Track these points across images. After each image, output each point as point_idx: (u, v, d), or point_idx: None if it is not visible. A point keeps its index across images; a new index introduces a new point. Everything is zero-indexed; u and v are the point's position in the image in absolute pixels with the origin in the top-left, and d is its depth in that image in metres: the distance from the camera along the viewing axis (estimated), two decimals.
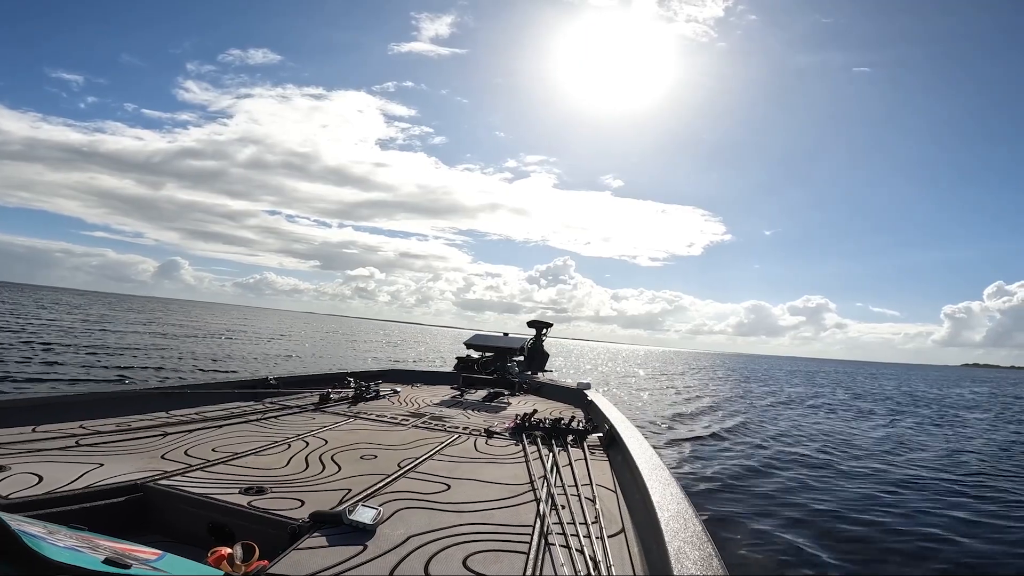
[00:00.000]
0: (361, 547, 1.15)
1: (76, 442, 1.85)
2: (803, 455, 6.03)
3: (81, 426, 2.07)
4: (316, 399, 2.99)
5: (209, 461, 1.73)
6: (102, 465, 1.60)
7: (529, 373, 4.46)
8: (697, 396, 13.32)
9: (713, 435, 6.92)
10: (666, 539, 1.03)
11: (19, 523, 0.70)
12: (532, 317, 4.84)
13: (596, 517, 1.38)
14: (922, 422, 10.42)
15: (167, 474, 1.56)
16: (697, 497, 4.01)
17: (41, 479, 1.43)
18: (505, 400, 3.48)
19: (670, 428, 7.50)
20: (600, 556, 1.15)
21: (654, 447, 1.88)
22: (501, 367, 4.26)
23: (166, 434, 2.07)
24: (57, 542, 0.70)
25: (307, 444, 2.04)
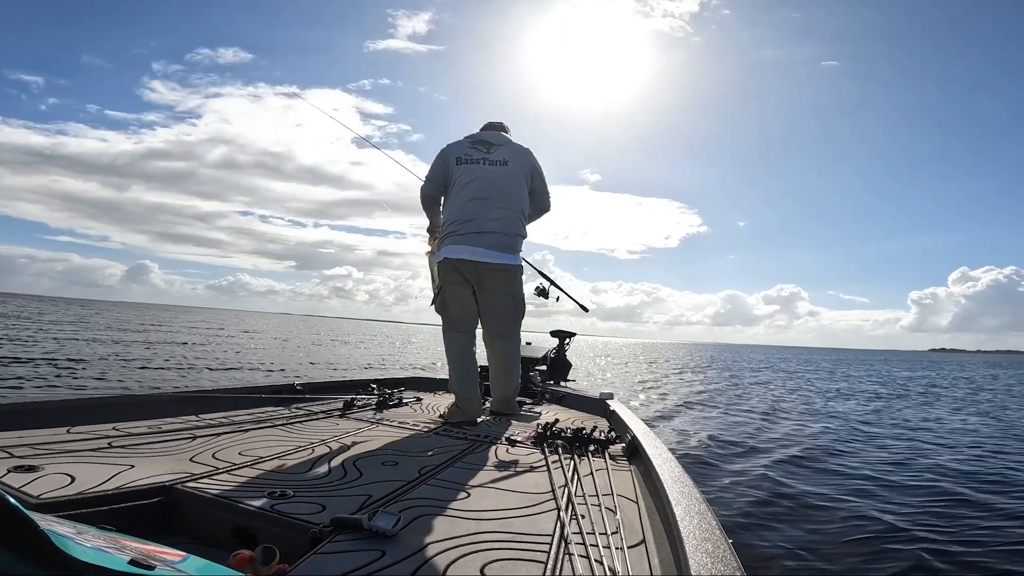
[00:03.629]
0: (380, 553, 1.15)
1: (109, 444, 1.91)
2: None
3: (114, 428, 2.14)
4: (341, 405, 3.03)
5: (235, 465, 1.76)
6: (133, 467, 1.64)
7: (551, 383, 4.43)
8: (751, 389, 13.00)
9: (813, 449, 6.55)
10: (688, 552, 1.00)
11: (49, 523, 0.73)
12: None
13: (617, 527, 1.35)
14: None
15: (195, 476, 1.59)
16: (728, 513, 3.91)
17: (73, 479, 1.47)
18: (528, 409, 3.47)
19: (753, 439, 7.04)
20: (619, 567, 1.12)
21: (678, 458, 1.83)
22: (523, 376, 4.25)
23: (195, 437, 2.11)
24: (84, 542, 0.72)
25: (330, 449, 2.06)
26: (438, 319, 3.10)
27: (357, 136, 3.77)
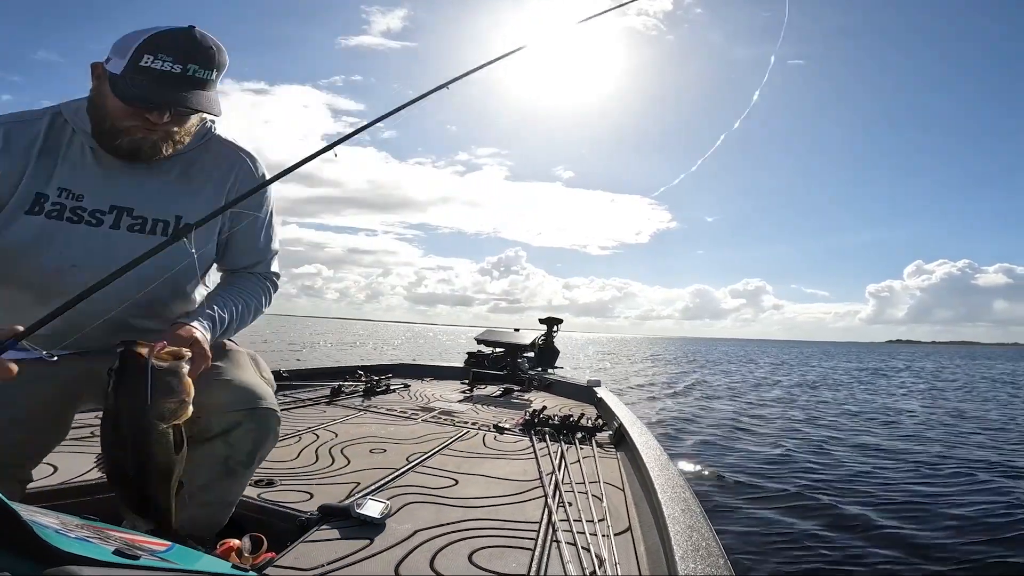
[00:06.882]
0: (368, 541, 1.15)
1: (91, 433, 1.88)
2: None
3: (96, 416, 2.11)
4: (328, 392, 3.02)
5: None
6: None
7: (540, 369, 4.46)
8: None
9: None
10: (672, 539, 1.01)
11: (32, 514, 0.72)
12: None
13: (603, 515, 1.37)
14: None
15: None
16: (710, 498, 3.98)
17: (56, 469, 1.46)
18: (516, 396, 3.49)
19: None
20: (606, 554, 1.14)
21: (664, 446, 1.86)
22: (512, 363, 4.26)
23: None
24: (68, 533, 0.71)
25: (317, 437, 2.06)
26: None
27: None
